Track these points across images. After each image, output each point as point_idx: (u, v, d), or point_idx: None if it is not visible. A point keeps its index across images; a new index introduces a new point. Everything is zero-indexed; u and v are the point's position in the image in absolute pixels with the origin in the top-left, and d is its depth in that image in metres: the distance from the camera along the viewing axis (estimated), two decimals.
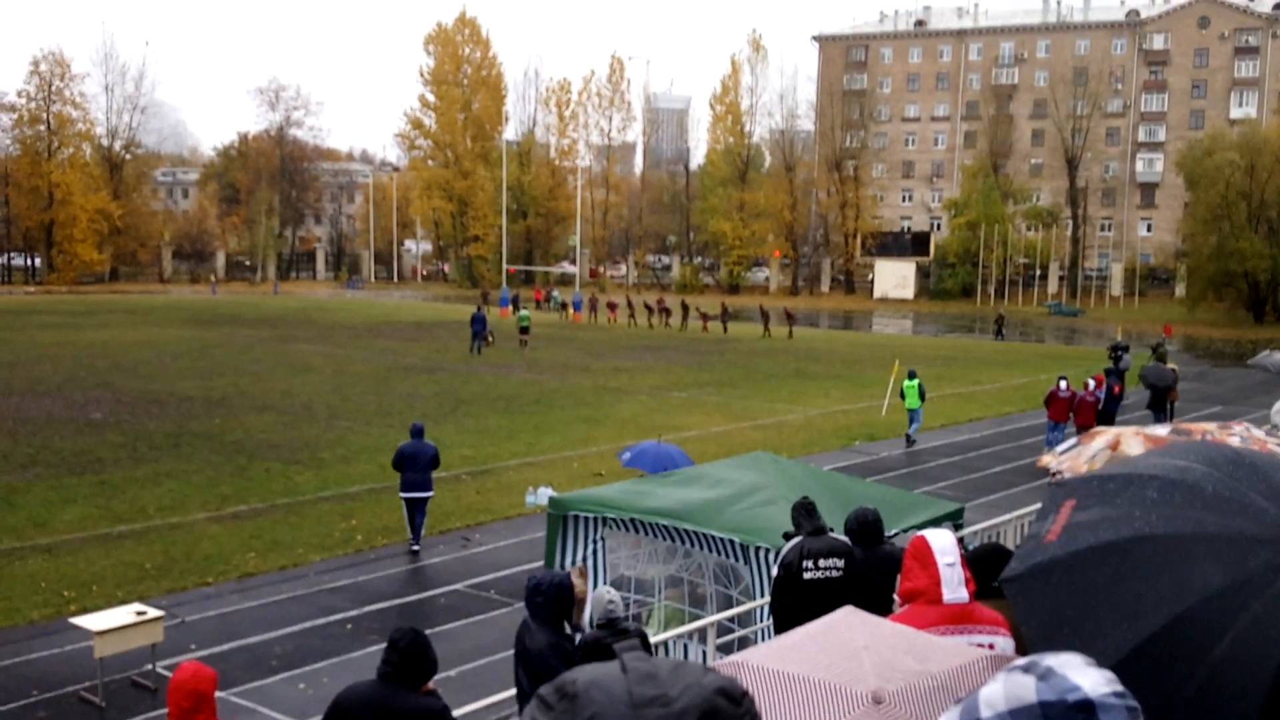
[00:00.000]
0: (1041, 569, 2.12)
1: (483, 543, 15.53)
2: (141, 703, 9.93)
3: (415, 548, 14.91)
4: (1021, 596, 2.18)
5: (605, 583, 10.66)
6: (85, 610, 11.29)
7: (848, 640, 2.73)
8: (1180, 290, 77.91)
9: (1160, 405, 26.68)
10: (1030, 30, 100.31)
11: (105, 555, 14.18)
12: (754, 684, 2.60)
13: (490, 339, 41.73)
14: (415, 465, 14.76)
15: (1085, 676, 1.51)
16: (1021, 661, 1.57)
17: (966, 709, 1.56)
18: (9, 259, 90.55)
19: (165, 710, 5.78)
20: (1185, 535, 1.93)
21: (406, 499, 14.88)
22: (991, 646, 3.91)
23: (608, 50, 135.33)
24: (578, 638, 6.83)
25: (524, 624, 6.53)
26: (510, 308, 59.95)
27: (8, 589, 12.81)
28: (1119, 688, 1.51)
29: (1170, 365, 29.74)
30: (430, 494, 15.02)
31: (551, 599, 6.42)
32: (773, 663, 2.70)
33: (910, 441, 24.12)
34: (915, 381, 24.21)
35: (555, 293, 71.88)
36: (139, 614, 10.21)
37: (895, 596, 4.54)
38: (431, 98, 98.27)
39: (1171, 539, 1.93)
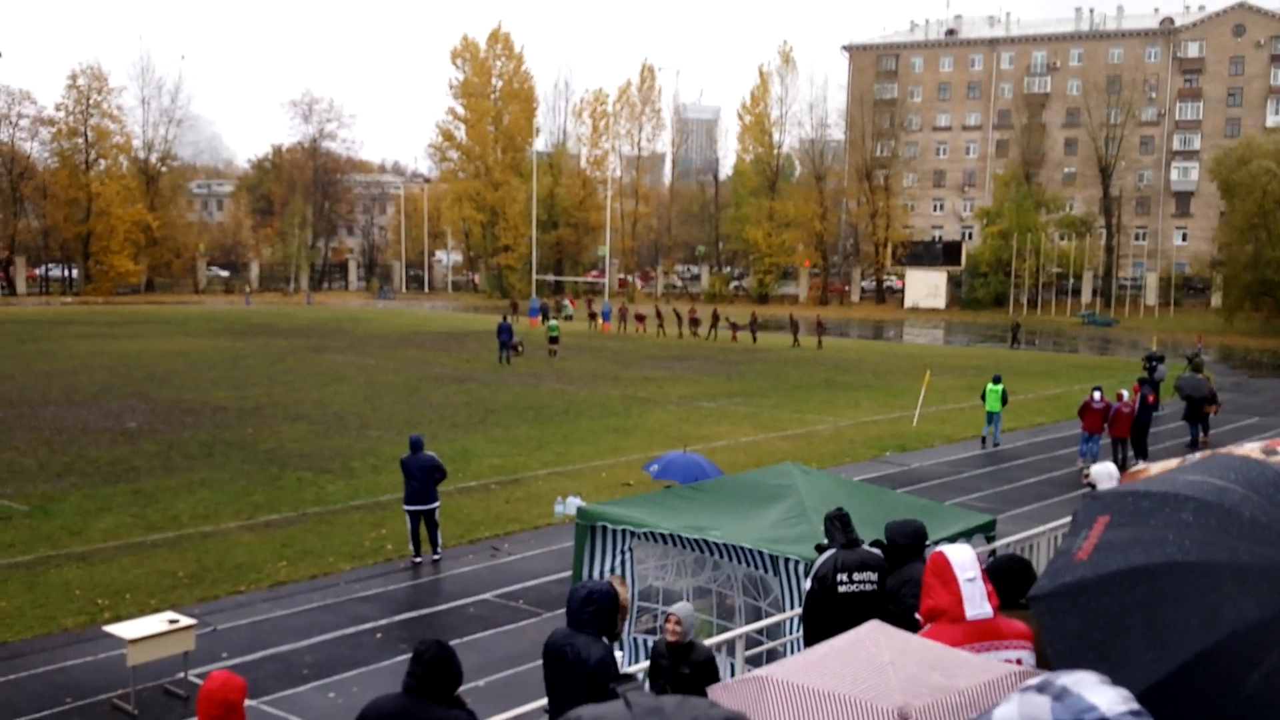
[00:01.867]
0: (1070, 590, 2.07)
1: (512, 552, 15.54)
2: (173, 711, 10.00)
3: (422, 558, 14.84)
4: (1049, 617, 2.13)
5: (634, 594, 10.63)
6: (119, 618, 11.40)
7: (873, 655, 2.70)
8: (1216, 300, 76.93)
9: (1196, 417, 26.32)
10: (1063, 39, 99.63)
11: (139, 564, 14.32)
12: (779, 699, 2.58)
13: (520, 349, 41.78)
14: (414, 477, 14.77)
15: (1101, 696, 1.48)
16: (1035, 680, 1.54)
17: None
18: (47, 270, 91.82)
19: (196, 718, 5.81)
20: (1219, 564, 1.86)
21: (409, 511, 14.88)
22: (1019, 661, 3.85)
23: (636, 61, 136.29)
24: (616, 651, 6.80)
25: (565, 635, 6.40)
26: (540, 317, 60.08)
27: (43, 597, 12.95)
28: (1134, 705, 1.48)
29: (1205, 375, 29.34)
30: (434, 505, 14.97)
31: (605, 608, 6.38)
32: (798, 678, 2.68)
33: (984, 444, 25.12)
34: (1000, 386, 25.05)
35: (566, 302, 71.35)
36: (171, 622, 10.29)
37: (917, 616, 4.47)
38: (461, 110, 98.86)
39: (1204, 567, 1.87)
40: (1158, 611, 1.85)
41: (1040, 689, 1.50)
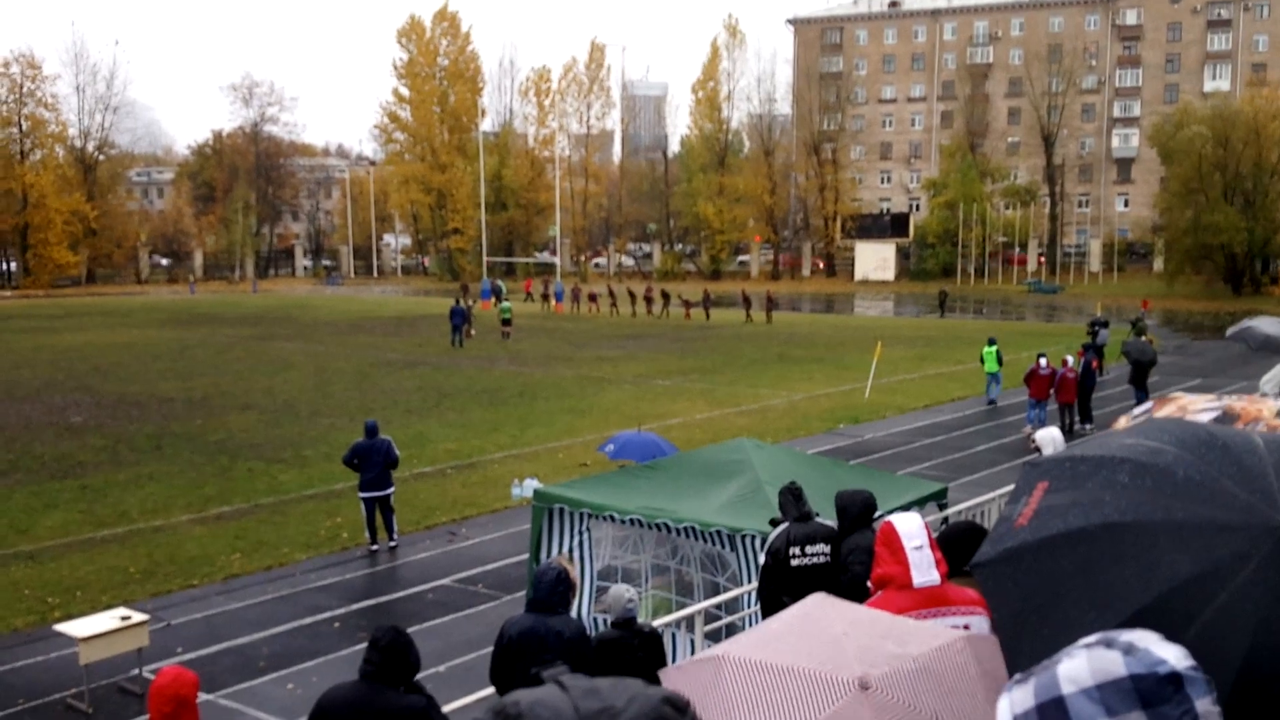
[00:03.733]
0: (1012, 555, 2.11)
1: (469, 536, 15.50)
2: (128, 708, 9.87)
3: (379, 545, 14.75)
4: (992, 582, 2.16)
5: (593, 573, 10.66)
6: (70, 617, 11.22)
7: (826, 628, 2.72)
8: (1158, 265, 78.34)
9: (1142, 381, 26.79)
10: (1004, 9, 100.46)
11: (89, 560, 14.09)
12: (737, 679, 2.58)
13: (471, 332, 41.60)
14: (370, 463, 14.66)
15: (1168, 650, 1.51)
16: (1095, 638, 1.55)
17: (1041, 686, 1.52)
18: None
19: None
20: (1154, 523, 1.91)
21: (365, 498, 14.76)
22: (967, 627, 3.90)
23: (581, 39, 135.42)
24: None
25: (536, 620, 6.40)
26: (492, 300, 59.78)
27: None
28: (1194, 661, 1.51)
29: (1149, 339, 29.89)
30: (390, 490, 14.87)
31: (570, 588, 6.49)
32: (755, 654, 2.68)
33: (992, 404, 26.54)
34: (994, 348, 26.59)
35: (499, 284, 70.04)
36: (123, 619, 10.15)
37: (868, 584, 4.53)
38: (406, 91, 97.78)
39: (1140, 526, 1.91)
40: (1097, 572, 1.90)
41: (1107, 644, 1.52)
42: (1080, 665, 1.51)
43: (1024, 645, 1.99)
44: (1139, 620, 1.77)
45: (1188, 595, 1.78)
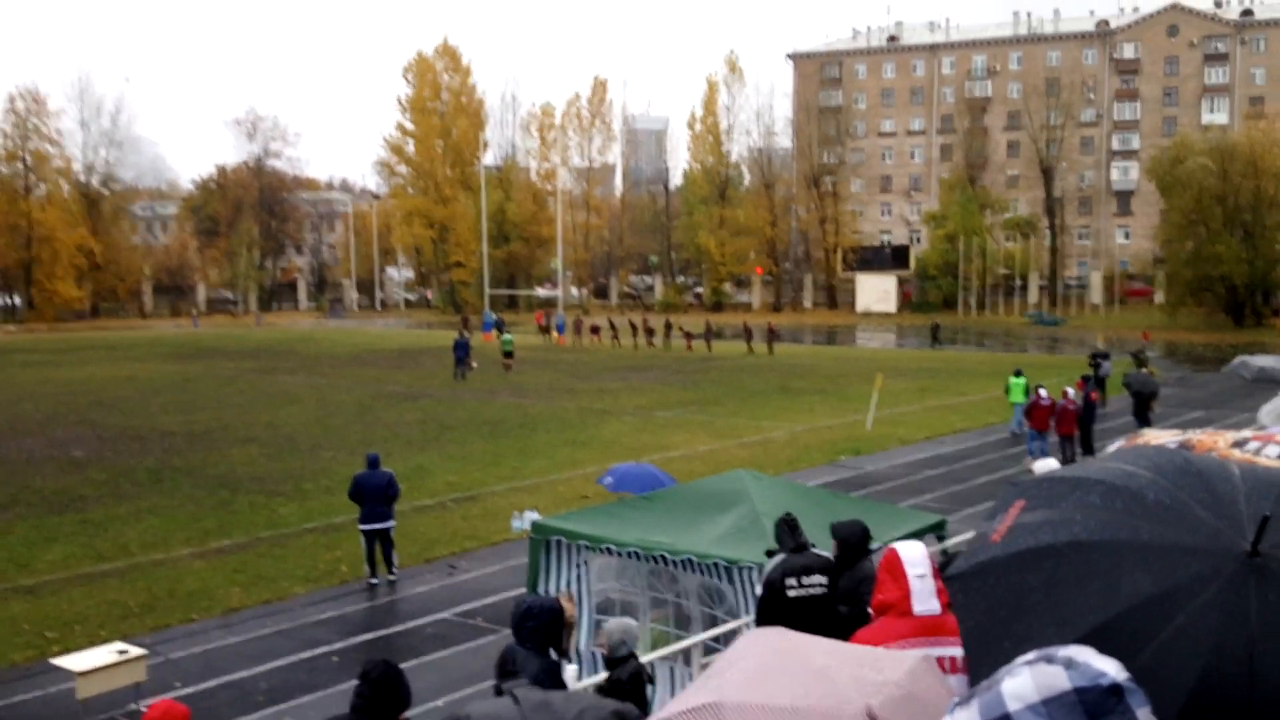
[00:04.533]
0: (982, 568, 2.13)
1: (469, 569, 15.48)
2: None
3: (378, 579, 14.72)
4: (962, 595, 2.18)
5: (591, 606, 10.64)
6: (68, 651, 11.19)
7: (807, 661, 2.70)
8: (1159, 297, 78.44)
9: (1144, 413, 26.78)
10: (1001, 43, 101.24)
11: (88, 595, 14.07)
12: None
13: (472, 364, 41.62)
14: (371, 496, 14.66)
15: (1105, 663, 1.54)
16: (1035, 655, 1.57)
17: (987, 705, 1.54)
18: None
19: None
20: (1120, 542, 1.93)
21: (365, 531, 14.71)
22: (965, 658, 3.92)
23: (583, 73, 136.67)
24: (565, 665, 6.81)
25: (509, 650, 6.49)
26: (494, 332, 59.85)
27: None
28: (1129, 673, 1.54)
29: (1151, 371, 29.93)
30: (390, 524, 14.85)
31: (544, 624, 6.41)
32: (751, 697, 2.63)
33: (1015, 435, 26.33)
34: (1022, 379, 26.82)
35: (489, 313, 69.50)
36: (121, 653, 10.14)
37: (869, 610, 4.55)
38: (410, 125, 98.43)
39: (1106, 545, 1.94)
40: (1060, 588, 1.92)
41: (1048, 660, 1.54)
42: (1024, 682, 1.53)
43: (986, 657, 2.01)
44: (1097, 636, 1.80)
45: (1146, 614, 1.81)
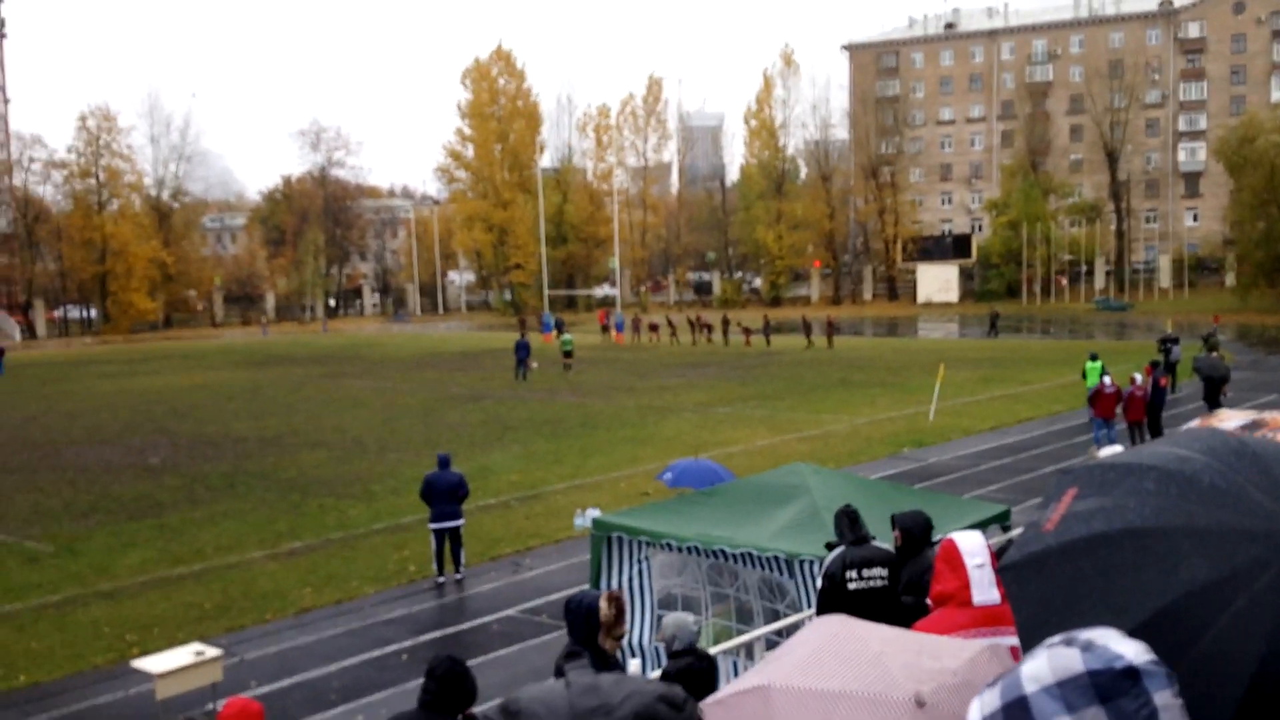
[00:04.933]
0: (1035, 558, 2.11)
1: (533, 567, 15.65)
2: None
3: (445, 578, 14.97)
4: (1015, 586, 2.15)
5: (653, 602, 10.71)
6: (147, 653, 11.53)
7: (862, 648, 2.73)
8: (1230, 279, 76.49)
9: (1214, 397, 26.19)
10: (1062, 26, 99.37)
11: (165, 598, 14.48)
12: (790, 706, 2.57)
13: (533, 365, 41.94)
14: (442, 495, 14.90)
15: (1125, 645, 1.54)
16: (1055, 638, 1.59)
17: (1007, 687, 1.56)
18: (65, 311, 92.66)
19: None
20: (1175, 528, 1.89)
21: (435, 530, 14.98)
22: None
23: (637, 71, 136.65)
24: (628, 660, 6.90)
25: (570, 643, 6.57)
26: (554, 333, 60.22)
27: (72, 636, 13.12)
28: (1154, 655, 1.54)
29: (1221, 355, 29.26)
30: (460, 523, 15.11)
31: (576, 621, 6.53)
32: (801, 681, 2.66)
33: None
34: (1098, 363, 26.07)
35: (546, 315, 69.48)
36: (198, 654, 10.42)
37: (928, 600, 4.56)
38: (468, 130, 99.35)
39: (1161, 531, 1.90)
40: (1116, 576, 1.90)
41: (1066, 643, 1.55)
42: (1042, 664, 1.55)
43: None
44: (1155, 623, 1.79)
45: (1205, 600, 1.77)
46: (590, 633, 6.43)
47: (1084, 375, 26.83)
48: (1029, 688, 1.54)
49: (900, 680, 2.57)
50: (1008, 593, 2.36)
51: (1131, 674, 1.50)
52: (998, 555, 5.05)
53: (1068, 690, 1.51)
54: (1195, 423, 3.72)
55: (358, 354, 57.58)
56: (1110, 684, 1.50)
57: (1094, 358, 26.70)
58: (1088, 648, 1.54)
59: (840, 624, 2.93)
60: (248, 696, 6.80)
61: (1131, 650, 1.54)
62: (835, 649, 2.81)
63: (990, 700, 1.57)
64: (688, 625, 6.79)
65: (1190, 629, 1.78)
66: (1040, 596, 2.09)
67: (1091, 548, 2.01)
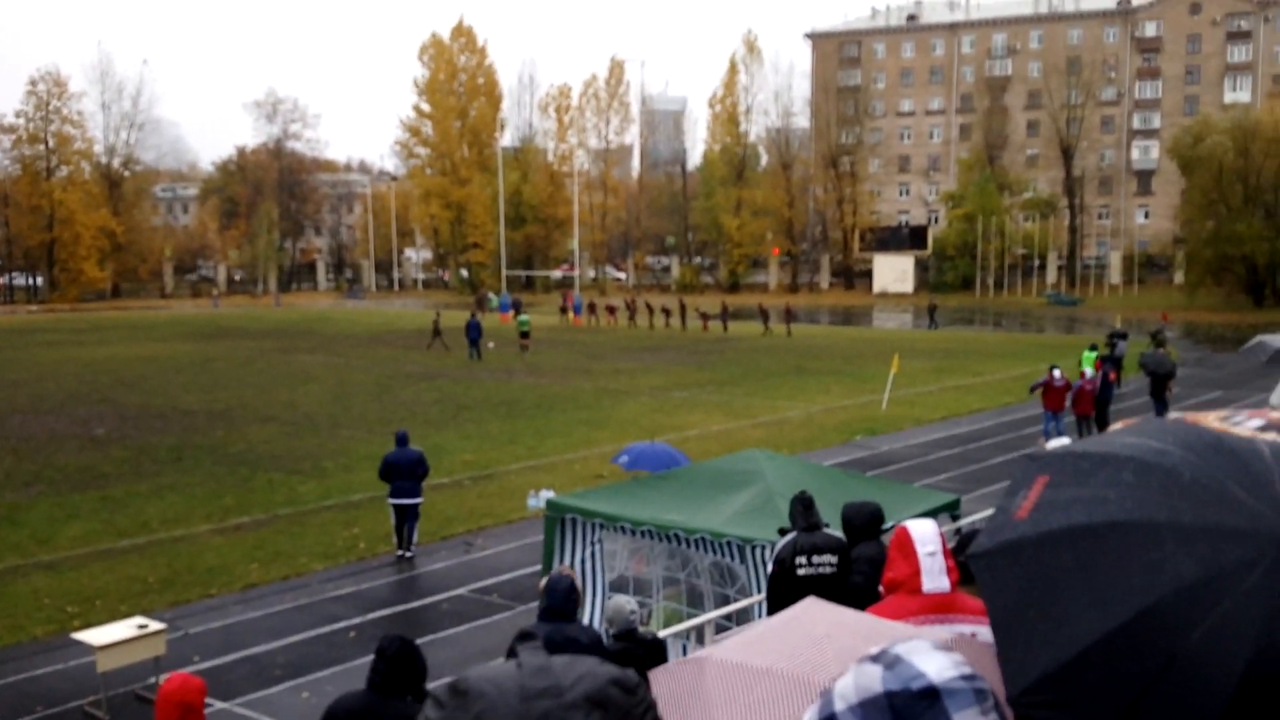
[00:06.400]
0: (1011, 547, 2.04)
1: (485, 547, 15.59)
2: (145, 716, 9.95)
3: (405, 554, 14.98)
4: (988, 574, 2.09)
5: (605, 584, 10.72)
6: (89, 625, 11.33)
7: (809, 630, 2.75)
8: (1179, 277, 77.85)
9: (1160, 393, 26.65)
10: (1022, 21, 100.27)
11: (108, 570, 14.26)
12: (717, 678, 2.61)
13: (489, 344, 41.83)
14: (401, 472, 14.84)
15: (931, 662, 1.49)
16: (874, 650, 1.55)
17: (824, 704, 1.53)
18: (10, 279, 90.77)
19: None
20: (1159, 523, 1.86)
21: (395, 505, 14.95)
22: (974, 636, 3.94)
23: (600, 53, 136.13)
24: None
25: (554, 630, 6.47)
26: (511, 313, 59.96)
27: (11, 606, 12.88)
28: (967, 670, 1.49)
29: (1168, 351, 29.77)
30: (419, 500, 15.08)
31: (562, 596, 6.56)
32: (737, 656, 2.71)
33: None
34: (1094, 353, 27.22)
35: (490, 295, 69.35)
36: (141, 628, 10.27)
37: (880, 589, 4.58)
38: (427, 107, 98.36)
39: (1145, 526, 1.87)
40: (1099, 570, 1.86)
41: (875, 659, 1.51)
42: (849, 682, 1.51)
43: (1018, 639, 1.95)
44: (1141, 621, 1.75)
45: (1192, 599, 1.75)
46: (572, 609, 6.43)
47: (1080, 364, 27.44)
48: (838, 705, 1.51)
49: (829, 663, 2.58)
50: (979, 580, 2.31)
51: (930, 694, 1.47)
52: (956, 547, 5.09)
53: (868, 710, 1.48)
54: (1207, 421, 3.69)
55: (311, 329, 56.98)
56: (906, 705, 1.46)
57: (1093, 348, 27.97)
58: (892, 665, 1.50)
59: (806, 606, 2.94)
60: (189, 672, 6.70)
61: (935, 667, 1.49)
62: (784, 629, 2.83)
63: (810, 716, 1.54)
64: (624, 610, 6.79)
65: (1177, 628, 1.73)
66: (1017, 586, 2.03)
67: (1071, 539, 1.95)
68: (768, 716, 2.48)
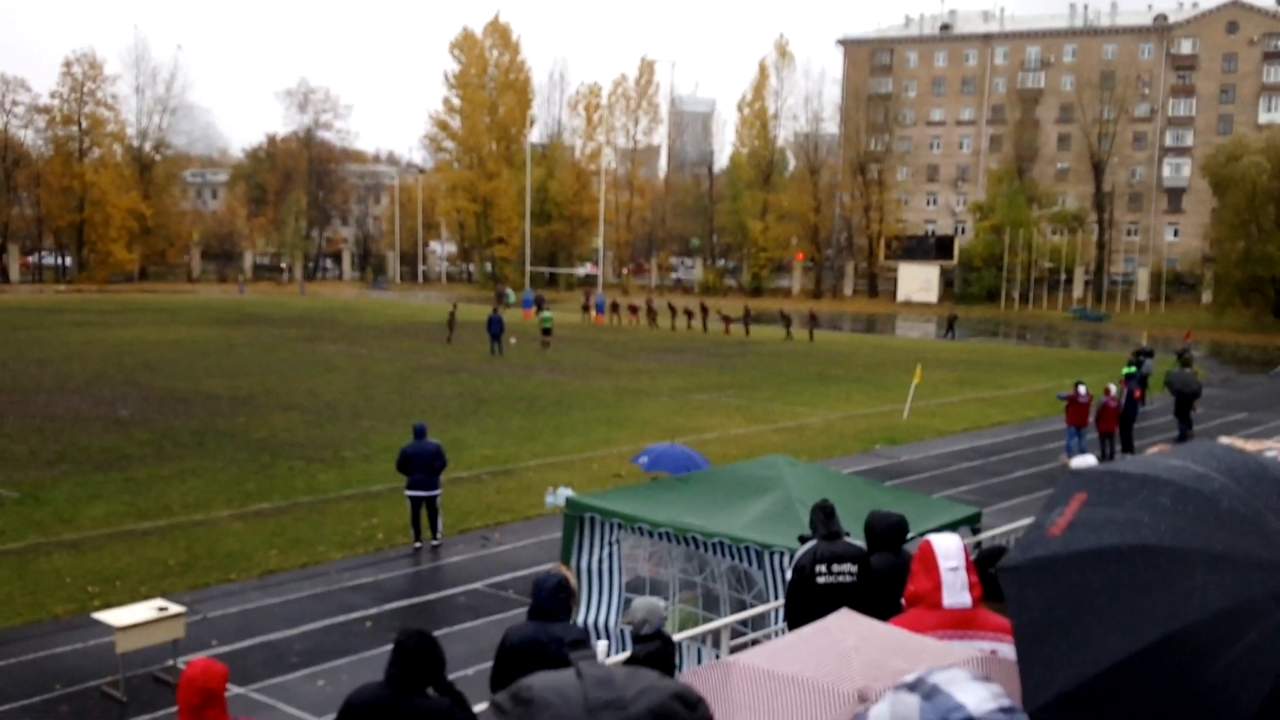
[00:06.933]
0: (1040, 563, 2.02)
1: (502, 542, 15.63)
2: (162, 698, 10.05)
3: (422, 543, 15.05)
4: (1015, 588, 2.07)
5: (621, 584, 10.73)
6: (109, 606, 11.45)
7: (839, 640, 2.75)
8: (1207, 296, 77.19)
9: (1185, 412, 26.46)
10: (1056, 34, 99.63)
11: (130, 551, 14.37)
12: (743, 684, 2.62)
13: (511, 340, 41.97)
14: (419, 464, 14.92)
15: (970, 694, 1.48)
16: (909, 679, 1.53)
17: None
18: (40, 258, 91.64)
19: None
20: (1191, 550, 1.84)
21: (412, 497, 15.03)
22: (994, 653, 3.92)
23: (631, 53, 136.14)
24: (595, 641, 6.91)
25: (537, 629, 6.51)
26: (534, 309, 60.08)
27: (33, 584, 13.01)
28: (1005, 703, 1.48)
29: (1194, 370, 29.59)
30: (437, 492, 15.14)
31: (570, 596, 6.57)
32: (763, 663, 2.72)
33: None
34: (1133, 369, 27.58)
35: (509, 291, 69.49)
36: (161, 610, 10.36)
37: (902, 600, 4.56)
38: (457, 101, 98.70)
39: (1176, 552, 1.85)
40: (1126, 593, 1.84)
41: (912, 688, 1.50)
42: (884, 710, 1.50)
43: (1040, 656, 1.93)
44: (1164, 647, 1.72)
45: (1217, 629, 1.72)
46: (565, 607, 6.43)
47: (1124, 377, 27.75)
48: None
49: (855, 674, 2.58)
50: (1006, 594, 2.29)
51: None
52: (978, 561, 5.07)
53: None
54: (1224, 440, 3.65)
55: (335, 318, 57.24)
56: None
57: (1131, 362, 28.67)
58: (930, 695, 1.49)
59: (838, 618, 2.94)
60: (210, 657, 6.75)
61: (975, 699, 1.48)
62: (814, 638, 2.84)
63: None
64: (658, 609, 6.79)
65: (1199, 657, 1.71)
66: (1042, 603, 2.02)
67: (1101, 560, 1.93)
68: None
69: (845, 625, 2.94)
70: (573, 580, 6.74)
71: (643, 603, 7.03)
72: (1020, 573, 2.09)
